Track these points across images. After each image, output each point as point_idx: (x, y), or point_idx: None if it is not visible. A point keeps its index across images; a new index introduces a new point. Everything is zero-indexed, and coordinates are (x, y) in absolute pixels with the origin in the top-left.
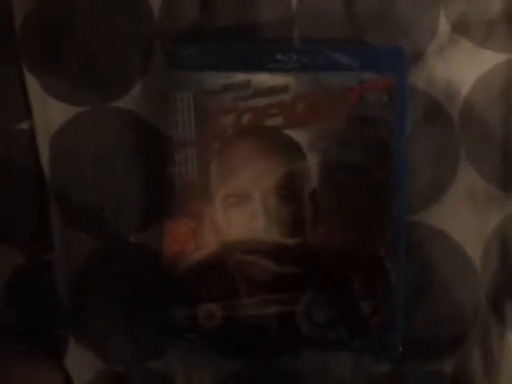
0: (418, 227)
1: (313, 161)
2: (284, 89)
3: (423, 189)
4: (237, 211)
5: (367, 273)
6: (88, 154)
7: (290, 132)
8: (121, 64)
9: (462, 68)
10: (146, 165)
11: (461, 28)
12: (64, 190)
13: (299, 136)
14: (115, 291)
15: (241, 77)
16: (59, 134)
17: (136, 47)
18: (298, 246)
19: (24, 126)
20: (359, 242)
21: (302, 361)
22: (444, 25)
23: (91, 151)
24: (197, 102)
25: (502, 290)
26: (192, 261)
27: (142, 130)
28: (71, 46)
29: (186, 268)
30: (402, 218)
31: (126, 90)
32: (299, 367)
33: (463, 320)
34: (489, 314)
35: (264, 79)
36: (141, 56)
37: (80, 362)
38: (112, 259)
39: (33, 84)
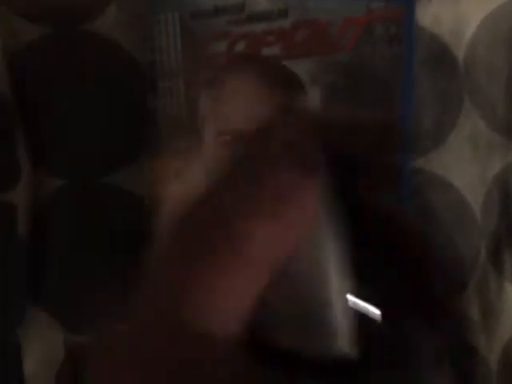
0: (419, 173)
1: (314, 96)
2: (283, 14)
3: (424, 134)
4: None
5: None
6: (53, 82)
7: (289, 63)
8: None
9: (468, 6)
10: (122, 98)
11: None
12: (31, 124)
13: (299, 68)
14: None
15: None
16: (22, 56)
17: None
18: None
19: None
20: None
21: None
22: None
23: (56, 79)
24: (184, 25)
25: (502, 240)
26: (178, 205)
27: (117, 58)
28: None
29: (170, 213)
30: (407, 164)
31: (99, 10)
32: None
33: (462, 270)
34: (488, 265)
35: (260, 2)
36: None
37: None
38: (81, 200)
39: None
